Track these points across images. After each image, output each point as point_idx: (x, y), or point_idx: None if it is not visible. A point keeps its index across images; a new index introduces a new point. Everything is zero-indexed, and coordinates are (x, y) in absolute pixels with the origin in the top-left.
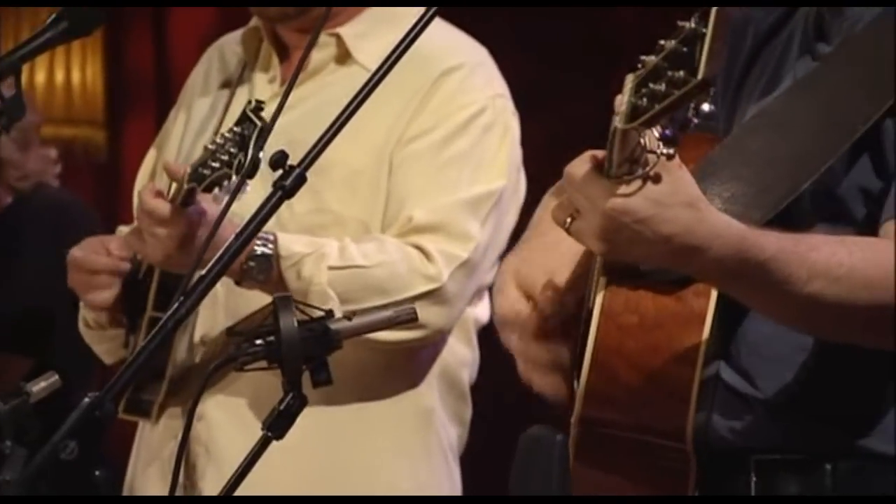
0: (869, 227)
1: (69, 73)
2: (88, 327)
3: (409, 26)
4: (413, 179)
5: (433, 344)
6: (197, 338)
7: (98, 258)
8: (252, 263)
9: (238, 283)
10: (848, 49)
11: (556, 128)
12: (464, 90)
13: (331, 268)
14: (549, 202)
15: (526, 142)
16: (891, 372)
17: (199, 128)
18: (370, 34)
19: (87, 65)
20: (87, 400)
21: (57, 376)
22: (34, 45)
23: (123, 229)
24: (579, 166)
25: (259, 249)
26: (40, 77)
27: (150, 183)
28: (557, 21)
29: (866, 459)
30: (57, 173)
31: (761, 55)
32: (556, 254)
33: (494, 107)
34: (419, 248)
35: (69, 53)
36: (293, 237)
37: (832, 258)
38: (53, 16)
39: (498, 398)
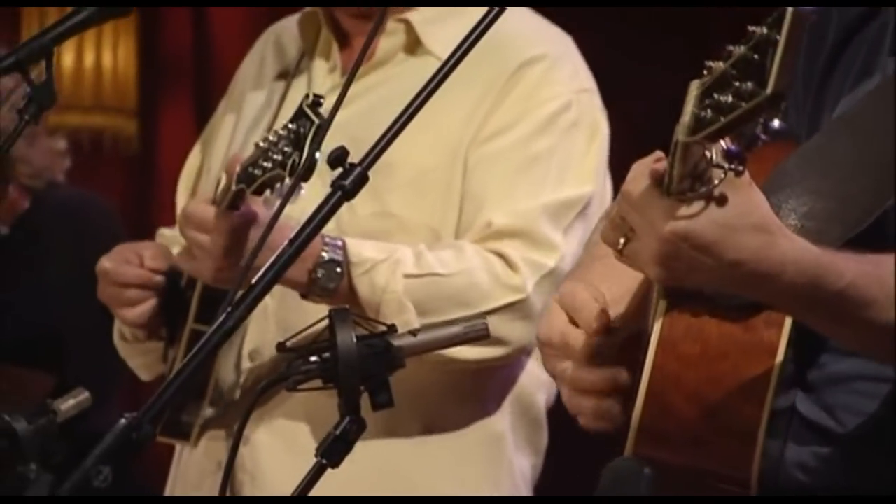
0: None
1: (100, 57)
2: (125, 340)
3: (485, 11)
4: (492, 181)
5: (510, 364)
6: (244, 354)
7: (128, 270)
8: (321, 272)
9: (304, 295)
10: None
11: (638, 122)
12: (547, 83)
13: (406, 276)
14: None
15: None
16: None
17: (251, 123)
18: (442, 19)
19: (118, 47)
20: (123, 421)
21: (87, 393)
22: (67, 26)
23: (165, 232)
24: (637, 182)
25: (327, 255)
26: (68, 60)
27: (193, 199)
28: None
29: None
30: (66, 167)
31: (846, 53)
32: (611, 275)
33: (580, 102)
34: (501, 255)
35: (100, 35)
36: (363, 242)
37: None
38: None
39: (577, 424)
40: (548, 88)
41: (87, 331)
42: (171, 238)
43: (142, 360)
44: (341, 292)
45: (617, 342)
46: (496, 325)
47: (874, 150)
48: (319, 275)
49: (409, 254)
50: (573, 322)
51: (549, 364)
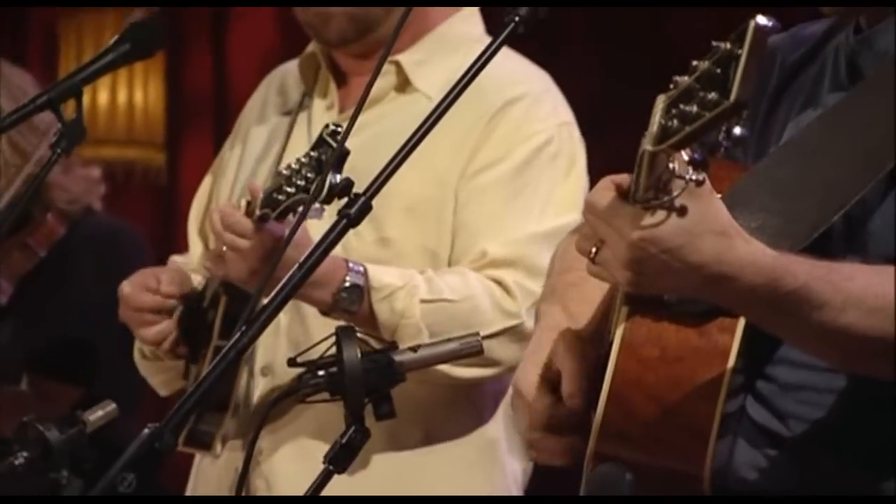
0: None
1: (131, 94)
2: (145, 358)
3: (469, 52)
4: (484, 213)
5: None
6: (258, 368)
7: (144, 297)
8: (344, 294)
9: (325, 313)
10: (880, 80)
11: (620, 149)
12: (529, 120)
13: (423, 301)
14: (569, 243)
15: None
16: None
17: (258, 156)
18: (429, 61)
19: (148, 85)
20: (146, 431)
21: (114, 405)
22: (96, 68)
23: (177, 259)
24: (602, 194)
25: (350, 280)
26: (103, 98)
27: (227, 202)
28: (623, 37)
29: None
30: (101, 194)
31: (789, 89)
32: (579, 298)
33: (561, 135)
34: (499, 282)
35: (132, 74)
36: (382, 268)
37: (868, 289)
38: (116, 38)
39: None
40: (530, 125)
41: (113, 347)
42: (181, 264)
43: (160, 377)
44: (361, 314)
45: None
46: (494, 347)
47: (817, 172)
48: (343, 297)
49: (421, 280)
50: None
51: (514, 404)
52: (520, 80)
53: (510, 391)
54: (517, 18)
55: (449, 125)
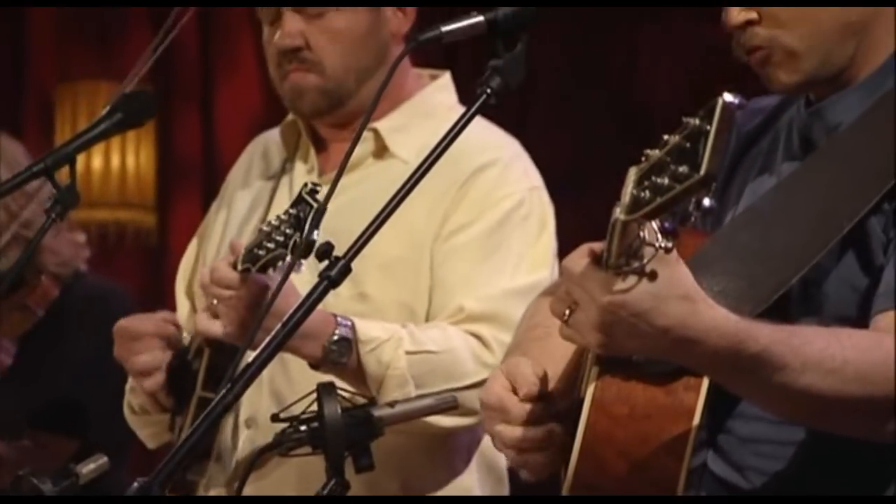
0: (858, 322)
1: (124, 159)
2: (133, 413)
3: (444, 120)
4: (459, 271)
5: (473, 428)
6: (242, 419)
7: (142, 323)
8: (334, 347)
9: (315, 366)
10: (833, 149)
11: (590, 210)
12: (500, 185)
13: (408, 352)
14: (541, 303)
15: (560, 224)
16: (879, 468)
17: (242, 218)
18: (406, 128)
19: (140, 150)
20: (136, 485)
21: (106, 458)
22: (89, 137)
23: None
24: (577, 260)
25: (339, 334)
26: (97, 162)
27: (219, 259)
28: (593, 100)
29: None
30: (87, 257)
31: (745, 159)
32: (548, 354)
33: (531, 199)
34: (476, 335)
35: (124, 139)
36: (368, 322)
37: (825, 351)
38: (108, 108)
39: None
40: (502, 189)
41: (106, 402)
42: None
43: (149, 430)
44: (350, 366)
45: (550, 411)
46: (472, 397)
47: (776, 238)
48: (333, 350)
49: (405, 333)
50: (513, 390)
51: (487, 425)
52: (490, 147)
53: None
54: (489, 91)
55: (424, 190)
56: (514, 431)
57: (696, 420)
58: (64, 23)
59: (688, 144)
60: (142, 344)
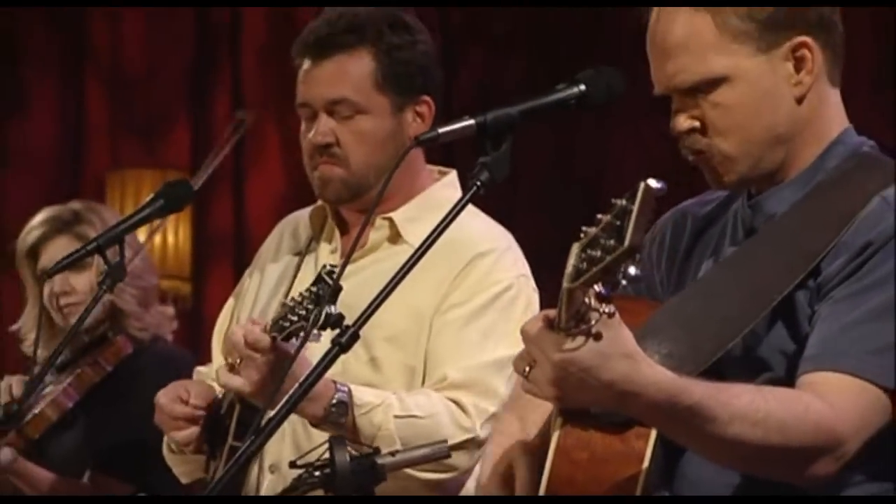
0: (786, 382)
1: (164, 236)
2: (172, 452)
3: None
4: (447, 343)
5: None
6: (266, 465)
7: (176, 407)
8: (333, 409)
9: (316, 425)
10: (767, 234)
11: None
12: (494, 271)
13: (396, 416)
14: None
15: (543, 295)
16: None
17: (272, 289)
18: (418, 218)
19: (178, 229)
20: None
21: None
22: (135, 220)
23: (201, 370)
24: (533, 324)
25: (338, 398)
26: (141, 239)
27: (250, 322)
28: (570, 191)
29: None
30: (173, 328)
31: (700, 241)
32: (534, 402)
33: (519, 284)
34: (456, 402)
35: (164, 220)
36: (363, 388)
37: (751, 404)
38: (152, 195)
39: None
40: (495, 275)
41: (159, 452)
42: (205, 374)
43: (184, 468)
44: (347, 426)
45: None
46: (451, 456)
47: (716, 308)
48: (333, 411)
49: (394, 399)
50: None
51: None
52: (488, 239)
53: (471, 486)
54: (478, 183)
55: (430, 271)
56: None
57: (646, 464)
58: (115, 118)
59: (617, 222)
60: (177, 424)
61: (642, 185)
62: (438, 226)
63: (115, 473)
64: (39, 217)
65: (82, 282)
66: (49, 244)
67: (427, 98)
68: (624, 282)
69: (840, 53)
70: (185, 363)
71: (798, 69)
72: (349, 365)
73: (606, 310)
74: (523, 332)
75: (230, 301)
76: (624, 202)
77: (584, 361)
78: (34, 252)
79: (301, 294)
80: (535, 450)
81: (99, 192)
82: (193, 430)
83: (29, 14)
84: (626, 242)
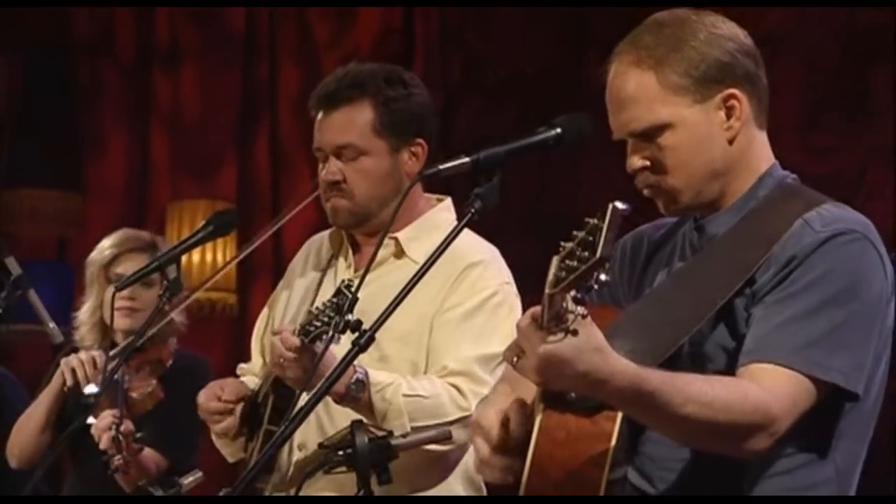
0: (728, 373)
1: (215, 256)
2: (218, 437)
3: (445, 232)
4: (446, 339)
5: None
6: (296, 444)
7: (212, 404)
8: (353, 386)
9: (338, 401)
10: (710, 251)
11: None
12: (482, 279)
13: (404, 395)
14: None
15: (525, 303)
16: (741, 477)
17: (300, 298)
18: (419, 237)
19: (226, 249)
20: (223, 493)
21: (201, 473)
22: (189, 243)
23: (243, 366)
24: (524, 320)
25: (357, 377)
26: (196, 258)
27: (286, 327)
28: (549, 217)
29: None
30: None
31: (654, 260)
32: (524, 382)
33: (503, 290)
34: (455, 386)
35: (215, 242)
36: (377, 371)
37: (700, 390)
38: (204, 222)
39: (503, 488)
40: (483, 282)
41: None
42: (246, 369)
43: (228, 450)
44: (363, 401)
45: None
46: (453, 431)
47: (669, 313)
48: (352, 388)
49: (403, 381)
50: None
51: (472, 438)
52: (476, 251)
53: (467, 460)
54: (472, 210)
55: (430, 279)
56: (491, 456)
57: (613, 441)
58: (175, 158)
59: (589, 237)
60: (215, 418)
61: (610, 205)
62: (440, 246)
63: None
64: (113, 238)
65: (147, 295)
66: (122, 259)
67: (421, 140)
68: (596, 286)
69: (765, 102)
70: (204, 369)
71: (728, 116)
72: (362, 361)
73: (581, 311)
74: (517, 326)
75: (265, 310)
76: (595, 220)
77: (563, 354)
78: (109, 265)
79: (324, 303)
80: (527, 409)
81: (161, 218)
82: (230, 421)
83: (107, 72)
84: (598, 253)
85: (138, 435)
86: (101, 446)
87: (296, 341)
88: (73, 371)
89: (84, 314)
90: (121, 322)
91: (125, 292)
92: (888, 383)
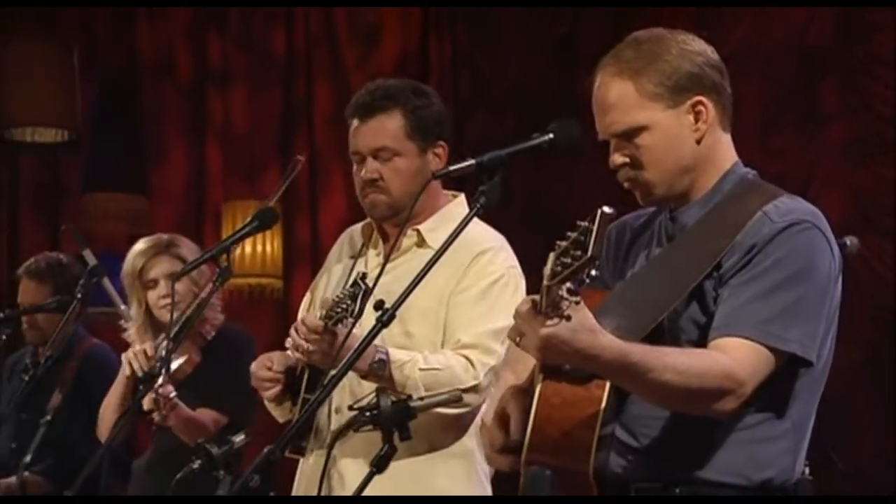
0: (700, 345)
1: (264, 245)
2: (271, 402)
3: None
4: (460, 316)
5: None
6: (333, 408)
7: (263, 373)
8: (375, 364)
9: (363, 377)
10: (683, 239)
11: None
12: (491, 263)
13: (420, 369)
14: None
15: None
16: (712, 432)
17: (336, 282)
18: (438, 228)
19: (274, 240)
20: (266, 449)
21: (247, 435)
22: (239, 235)
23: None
24: (523, 306)
25: (378, 356)
26: (248, 248)
27: (308, 314)
28: (546, 214)
29: (701, 485)
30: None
31: (634, 245)
32: (525, 357)
33: (510, 274)
34: (467, 357)
35: (263, 234)
36: (396, 350)
37: (677, 359)
38: (250, 218)
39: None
40: (492, 266)
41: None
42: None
43: (277, 412)
44: (385, 376)
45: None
46: (466, 397)
47: (649, 293)
48: (374, 366)
49: (420, 357)
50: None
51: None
52: (486, 239)
53: (479, 421)
54: (478, 206)
55: (446, 263)
56: (490, 453)
57: (603, 405)
58: (227, 165)
59: (581, 238)
60: (265, 385)
61: (599, 211)
62: (452, 234)
63: (222, 409)
64: (137, 248)
65: (182, 287)
66: (150, 265)
67: (442, 143)
68: (587, 279)
69: (729, 108)
70: (245, 339)
71: (697, 120)
72: (386, 338)
73: (574, 300)
74: (516, 311)
75: (308, 294)
76: (587, 223)
77: (560, 336)
78: (140, 273)
79: (343, 291)
80: (524, 392)
81: (216, 217)
82: (277, 388)
83: (169, 92)
84: (589, 253)
85: (172, 395)
86: (145, 408)
87: (319, 323)
88: (129, 363)
89: (131, 323)
90: (166, 316)
91: (162, 290)
92: (886, 388)
